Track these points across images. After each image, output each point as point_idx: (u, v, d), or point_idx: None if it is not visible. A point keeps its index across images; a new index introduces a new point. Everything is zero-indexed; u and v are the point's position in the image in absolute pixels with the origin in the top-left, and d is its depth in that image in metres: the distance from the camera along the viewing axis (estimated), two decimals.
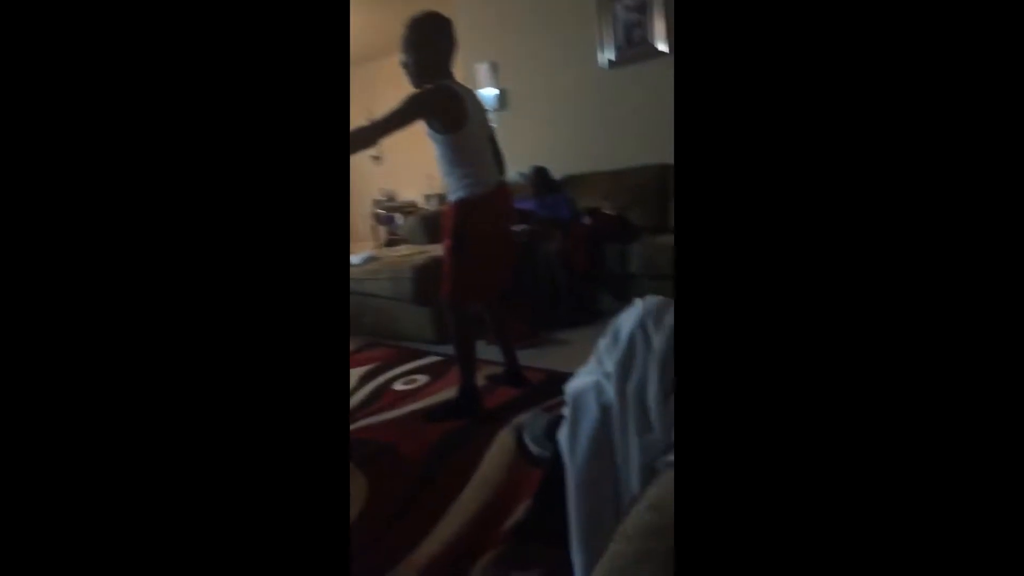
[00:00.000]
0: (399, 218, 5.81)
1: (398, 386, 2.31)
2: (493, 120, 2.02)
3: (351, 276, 2.89)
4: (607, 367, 0.94)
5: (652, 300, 0.94)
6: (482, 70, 3.94)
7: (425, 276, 2.72)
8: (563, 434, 0.97)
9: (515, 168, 2.92)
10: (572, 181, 3.49)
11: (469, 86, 1.90)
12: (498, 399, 2.04)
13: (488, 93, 3.87)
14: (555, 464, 1.02)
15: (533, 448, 1.55)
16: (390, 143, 1.63)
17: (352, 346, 2.86)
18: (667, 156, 3.18)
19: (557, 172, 3.46)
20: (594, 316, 2.87)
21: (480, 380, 2.09)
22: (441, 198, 5.30)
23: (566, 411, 0.99)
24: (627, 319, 0.94)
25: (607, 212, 3.10)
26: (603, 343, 0.97)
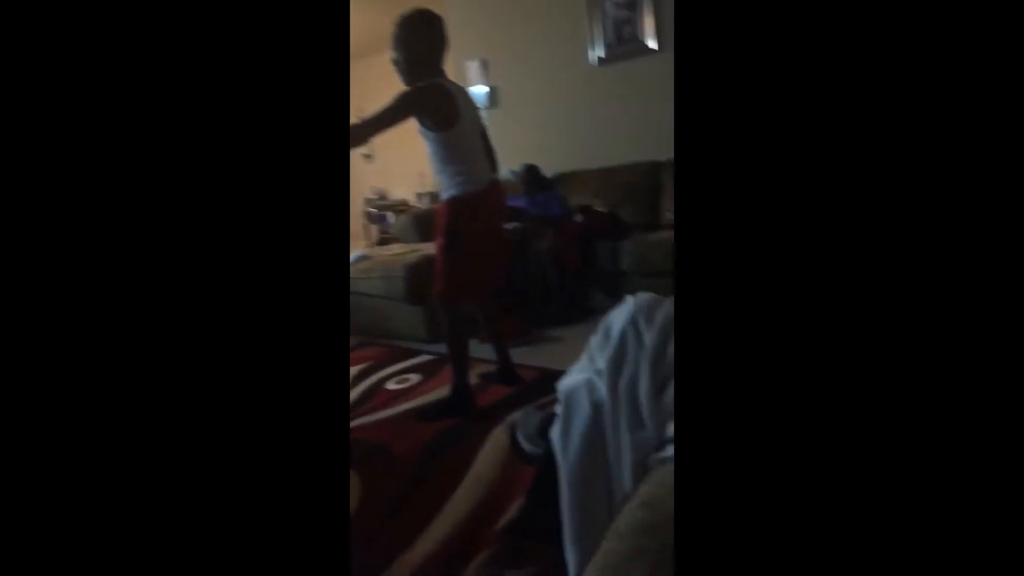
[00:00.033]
0: (391, 217, 5.80)
1: (391, 385, 2.31)
2: (484, 118, 2.01)
3: None
4: (599, 364, 0.94)
5: (643, 297, 0.94)
6: (473, 68, 3.93)
7: (417, 275, 2.72)
8: (555, 432, 0.97)
9: (506, 166, 2.91)
10: (563, 179, 3.49)
11: (460, 84, 1.90)
12: (491, 397, 2.04)
13: (479, 91, 3.86)
14: (548, 462, 1.02)
15: (526, 446, 1.55)
16: (381, 141, 1.63)
17: None
18: (658, 153, 3.19)
19: (548, 170, 3.46)
20: (586, 313, 2.87)
21: (473, 378, 2.09)
22: (433, 196, 5.29)
23: (558, 409, 0.99)
24: (618, 316, 0.94)
25: (599, 209, 3.10)
26: (595, 341, 0.97)
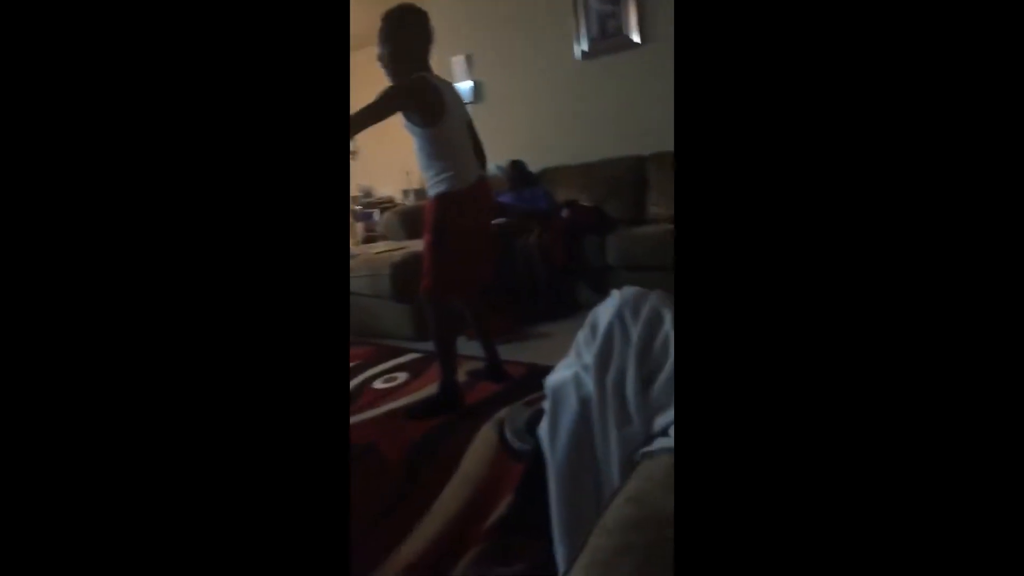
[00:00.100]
0: (376, 214, 5.76)
1: (378, 384, 2.29)
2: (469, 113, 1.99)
3: None
4: (586, 359, 0.93)
5: (629, 291, 0.94)
6: (458, 63, 3.91)
7: (403, 273, 2.70)
8: (543, 428, 0.97)
9: (491, 161, 2.90)
10: (548, 174, 3.49)
11: (445, 79, 1.88)
12: (479, 394, 2.03)
13: (463, 86, 3.84)
14: (536, 458, 1.01)
15: (514, 443, 1.55)
16: (366, 138, 1.61)
17: None
18: (642, 147, 3.19)
19: (533, 165, 3.46)
20: (573, 309, 2.88)
21: (461, 375, 2.08)
22: (419, 193, 5.27)
23: (546, 405, 0.98)
24: (604, 311, 0.94)
25: (584, 204, 3.10)
26: (581, 336, 0.97)
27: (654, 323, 0.87)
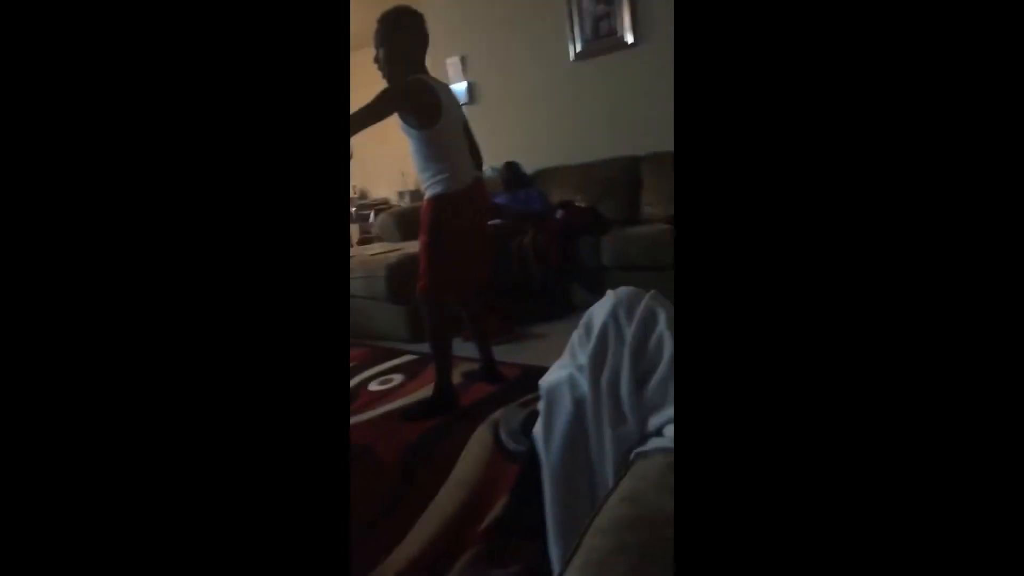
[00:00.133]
0: (372, 216, 5.75)
1: (373, 386, 2.29)
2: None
3: None
4: (580, 360, 0.93)
5: (624, 291, 0.94)
6: (452, 64, 3.91)
7: (399, 274, 2.70)
8: (538, 429, 0.97)
9: (485, 163, 2.90)
10: (542, 175, 3.49)
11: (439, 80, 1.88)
12: (474, 396, 2.03)
13: (458, 87, 3.84)
14: (531, 459, 1.01)
15: (509, 444, 1.55)
16: (361, 139, 1.61)
17: None
18: (636, 148, 3.20)
19: (527, 166, 3.46)
20: (568, 309, 2.88)
21: (456, 377, 2.08)
22: (414, 195, 5.26)
23: (541, 406, 0.98)
24: (599, 311, 0.94)
25: (579, 205, 3.11)
26: (576, 336, 0.97)
27: (648, 323, 0.88)
